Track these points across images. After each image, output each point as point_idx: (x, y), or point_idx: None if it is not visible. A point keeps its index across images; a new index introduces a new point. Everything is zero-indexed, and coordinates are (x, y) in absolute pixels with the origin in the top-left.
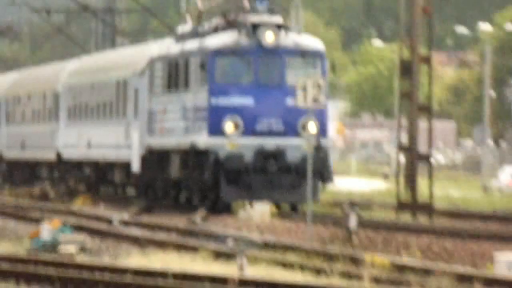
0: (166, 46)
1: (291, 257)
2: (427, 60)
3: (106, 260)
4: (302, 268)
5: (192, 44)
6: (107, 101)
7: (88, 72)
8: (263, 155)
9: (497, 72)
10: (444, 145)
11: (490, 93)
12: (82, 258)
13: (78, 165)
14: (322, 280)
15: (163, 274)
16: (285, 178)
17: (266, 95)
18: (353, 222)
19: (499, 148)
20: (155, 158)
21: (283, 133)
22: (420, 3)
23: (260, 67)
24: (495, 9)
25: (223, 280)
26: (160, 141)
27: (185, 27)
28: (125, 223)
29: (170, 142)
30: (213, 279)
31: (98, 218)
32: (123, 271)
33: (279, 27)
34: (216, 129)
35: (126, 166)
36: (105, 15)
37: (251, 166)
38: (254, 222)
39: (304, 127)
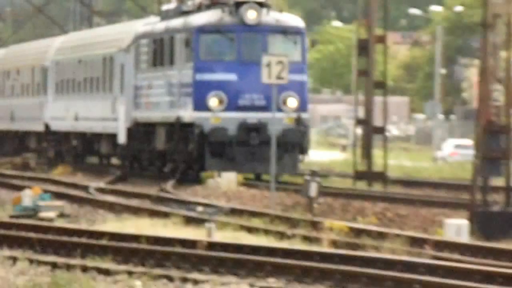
0: (151, 24)
1: (256, 222)
2: (382, 40)
3: (83, 225)
4: (266, 232)
5: (176, 22)
6: (94, 76)
7: (75, 48)
8: (246, 129)
9: (447, 51)
10: (398, 119)
11: (441, 70)
12: (61, 223)
13: (65, 136)
14: (284, 244)
15: (136, 238)
16: (266, 151)
17: (249, 71)
18: (313, 190)
19: (448, 122)
20: (141, 131)
21: (265, 108)
22: None
23: (242, 44)
24: None
25: (192, 244)
26: (146, 115)
27: (170, 5)
28: (101, 191)
29: (156, 115)
30: (183, 243)
31: (76, 186)
32: (99, 235)
33: (261, 5)
34: (201, 104)
35: (112, 137)
36: None
37: (234, 139)
38: (222, 190)
39: (284, 101)
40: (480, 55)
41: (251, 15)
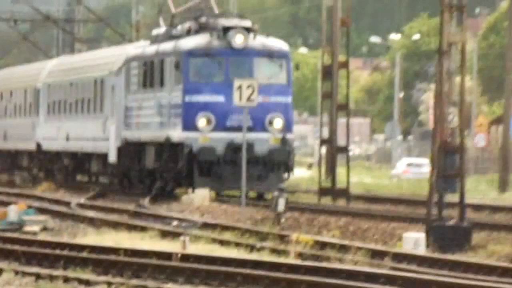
0: (141, 47)
1: (227, 236)
2: (345, 65)
3: (65, 238)
4: (237, 245)
5: (166, 45)
6: (85, 98)
7: (66, 72)
8: (233, 148)
9: (405, 76)
10: (360, 139)
11: (399, 94)
12: (44, 236)
13: (57, 155)
14: (254, 256)
15: (115, 251)
16: (253, 169)
17: None
18: (281, 205)
19: (406, 142)
20: (131, 150)
21: (251, 128)
22: (339, 16)
23: (230, 67)
24: (404, 21)
25: (167, 256)
26: (136, 135)
27: (160, 29)
28: (82, 206)
29: (146, 135)
30: (159, 255)
31: (58, 202)
32: (80, 248)
33: (248, 30)
34: (190, 124)
35: (102, 157)
36: (65, 24)
37: (222, 158)
38: (195, 205)
39: (270, 122)
40: (436, 80)
41: (238, 39)
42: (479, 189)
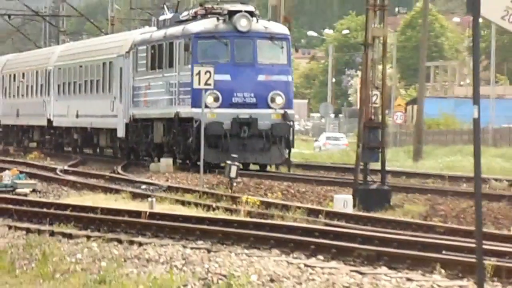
0: (148, 33)
1: (188, 197)
2: None
3: (51, 198)
4: (196, 205)
5: (175, 30)
6: (94, 79)
7: (75, 55)
8: (238, 123)
9: (337, 64)
10: (299, 117)
11: (332, 79)
12: (33, 197)
13: (66, 130)
14: (210, 214)
15: (93, 209)
16: (256, 143)
17: (241, 73)
18: (233, 172)
19: (337, 119)
20: (139, 126)
21: (255, 105)
22: (282, 13)
23: (235, 49)
24: (336, 19)
25: (137, 214)
26: (144, 112)
27: (166, 15)
28: (66, 172)
29: (154, 112)
30: (130, 213)
31: (45, 168)
32: (64, 206)
33: (251, 14)
34: (198, 101)
35: (110, 132)
36: (51, 19)
37: (228, 132)
38: (161, 172)
39: (272, 99)
40: (362, 68)
41: (243, 23)
42: (397, 159)
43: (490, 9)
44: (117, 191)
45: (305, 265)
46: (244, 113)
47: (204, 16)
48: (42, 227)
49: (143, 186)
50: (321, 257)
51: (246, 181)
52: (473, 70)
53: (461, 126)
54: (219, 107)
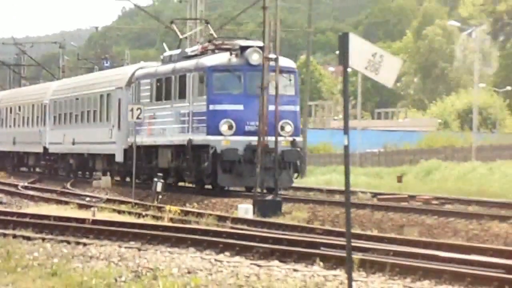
0: (150, 67)
1: (123, 207)
2: None
3: (14, 208)
4: (129, 213)
5: (187, 63)
6: (91, 110)
7: (71, 89)
8: (251, 150)
9: None
10: None
11: None
12: (0, 208)
13: (61, 156)
14: (140, 220)
15: (47, 217)
16: (268, 168)
17: (253, 103)
18: (159, 187)
19: None
20: (141, 152)
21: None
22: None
23: (247, 81)
24: None
25: (82, 221)
26: (147, 139)
27: (169, 52)
28: (26, 188)
29: (161, 139)
30: (77, 220)
31: (9, 184)
32: (24, 215)
33: (262, 49)
34: (213, 129)
35: (108, 157)
36: (14, 67)
37: (242, 158)
38: (102, 187)
39: (282, 128)
40: (260, 106)
41: (254, 57)
42: None
43: (356, 61)
44: (66, 203)
45: (215, 260)
46: (256, 140)
47: (213, 51)
48: (6, 231)
49: (87, 199)
50: (227, 253)
51: (170, 194)
52: (344, 108)
53: (335, 151)
54: (233, 134)
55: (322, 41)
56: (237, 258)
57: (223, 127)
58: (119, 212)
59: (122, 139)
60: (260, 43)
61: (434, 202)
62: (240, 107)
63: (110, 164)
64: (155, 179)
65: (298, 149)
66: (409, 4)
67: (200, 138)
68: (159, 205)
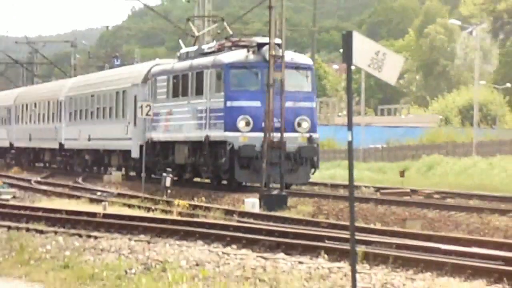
0: (167, 64)
1: (133, 201)
2: None
3: (27, 203)
4: (139, 207)
5: (204, 60)
6: (107, 106)
7: (86, 86)
8: (268, 146)
9: None
10: None
11: None
12: (14, 202)
13: (77, 152)
14: (150, 214)
15: (59, 211)
16: (285, 164)
17: None
18: (168, 182)
19: None
20: (157, 148)
21: (284, 129)
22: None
23: (265, 77)
24: None
25: (94, 214)
26: (164, 135)
27: (185, 49)
28: (39, 183)
29: (177, 136)
30: (88, 214)
31: (23, 180)
32: (37, 209)
33: (278, 46)
34: (231, 126)
35: (123, 153)
36: (27, 65)
37: (259, 154)
38: (112, 182)
39: (299, 124)
40: (266, 103)
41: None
42: None
43: (359, 59)
44: (78, 197)
45: (223, 253)
46: (274, 137)
47: (230, 48)
48: (20, 225)
49: (98, 193)
50: (234, 246)
51: (178, 188)
52: (348, 105)
53: (339, 147)
54: (250, 131)
55: (326, 39)
56: (243, 250)
57: (241, 124)
58: (129, 206)
59: (138, 135)
60: (278, 40)
61: (436, 196)
62: (257, 103)
63: (125, 160)
64: (164, 174)
65: (315, 145)
66: (411, 4)
67: (217, 134)
68: (168, 199)
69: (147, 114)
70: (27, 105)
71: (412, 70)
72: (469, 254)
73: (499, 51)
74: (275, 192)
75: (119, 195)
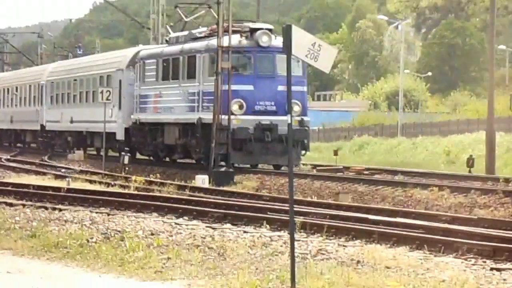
0: (156, 48)
1: (94, 177)
2: None
3: None
4: (99, 183)
5: (196, 44)
6: (90, 90)
7: (67, 71)
8: (261, 129)
9: None
10: None
11: None
12: None
13: (58, 134)
14: (110, 189)
15: (27, 186)
16: (277, 146)
17: (263, 83)
18: (126, 160)
19: None
20: (145, 129)
21: (275, 112)
22: None
23: (257, 62)
24: None
25: (58, 189)
26: (153, 117)
27: (174, 34)
28: (8, 160)
29: (167, 117)
30: (54, 189)
31: None
32: (7, 184)
33: (270, 31)
34: (224, 109)
35: (107, 135)
36: None
37: (253, 137)
38: (75, 159)
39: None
40: (215, 90)
41: (264, 39)
42: None
43: (298, 50)
44: (44, 173)
45: (175, 223)
46: (265, 119)
47: (222, 33)
48: None
49: (63, 170)
50: (186, 217)
51: (136, 166)
52: (288, 90)
53: None
54: (243, 114)
55: None
56: (194, 221)
57: (234, 107)
58: (91, 182)
59: (123, 118)
60: (270, 26)
61: (365, 172)
62: (250, 87)
63: (109, 141)
64: (123, 153)
65: (306, 128)
66: (344, 1)
67: (210, 117)
68: (126, 175)
69: (107, 99)
70: (8, 89)
71: (345, 60)
72: (394, 224)
73: (421, 44)
74: (222, 169)
75: (82, 172)
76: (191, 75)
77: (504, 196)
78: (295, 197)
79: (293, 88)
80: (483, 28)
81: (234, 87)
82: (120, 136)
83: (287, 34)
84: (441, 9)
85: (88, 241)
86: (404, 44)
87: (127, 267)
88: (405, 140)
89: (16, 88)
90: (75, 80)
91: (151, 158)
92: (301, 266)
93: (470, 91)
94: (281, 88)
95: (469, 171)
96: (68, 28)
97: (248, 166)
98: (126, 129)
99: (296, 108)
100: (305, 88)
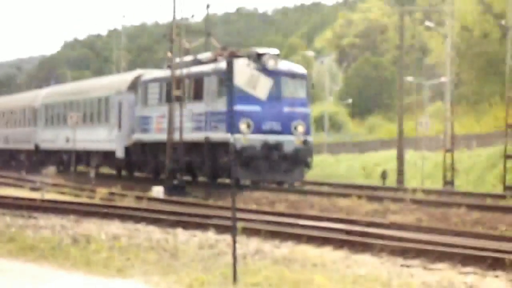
0: (159, 72)
1: (65, 190)
2: None
3: None
4: (69, 194)
5: (202, 68)
6: (87, 112)
7: (62, 95)
8: (267, 147)
9: None
10: None
11: None
12: None
13: (53, 153)
14: (78, 199)
15: (7, 197)
16: (282, 164)
17: (269, 105)
18: (92, 174)
19: None
20: (146, 149)
21: (281, 132)
22: None
23: None
24: None
25: (34, 200)
26: (155, 137)
27: (184, 58)
28: None
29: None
30: (30, 199)
31: None
32: None
33: (276, 56)
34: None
35: (106, 153)
36: None
37: (260, 155)
38: (49, 174)
39: (295, 128)
40: (172, 106)
41: (271, 63)
42: None
43: (239, 80)
44: (22, 186)
45: (135, 229)
46: (272, 139)
47: (227, 57)
48: None
49: (38, 183)
50: (144, 223)
51: (102, 180)
52: (232, 118)
53: None
54: (251, 133)
55: None
56: (151, 227)
57: (242, 126)
58: (62, 193)
59: (122, 138)
60: (276, 51)
61: (297, 184)
62: (257, 108)
63: (107, 159)
64: (90, 169)
65: (310, 147)
66: (278, 40)
67: (218, 135)
68: (92, 188)
69: (76, 123)
70: (4, 113)
71: None
72: (321, 228)
73: (343, 75)
74: (175, 182)
75: (54, 185)
76: (198, 96)
77: (412, 204)
78: (237, 206)
79: (297, 109)
80: (394, 63)
81: (242, 107)
82: (120, 154)
83: (230, 67)
84: (359, 46)
85: (59, 244)
86: (328, 75)
87: (93, 266)
88: (330, 156)
89: (11, 111)
90: (71, 103)
91: (150, 175)
92: (242, 264)
93: (384, 116)
94: (287, 109)
95: (383, 183)
96: (43, 63)
97: (198, 180)
98: (126, 148)
99: (301, 129)
100: (308, 110)
